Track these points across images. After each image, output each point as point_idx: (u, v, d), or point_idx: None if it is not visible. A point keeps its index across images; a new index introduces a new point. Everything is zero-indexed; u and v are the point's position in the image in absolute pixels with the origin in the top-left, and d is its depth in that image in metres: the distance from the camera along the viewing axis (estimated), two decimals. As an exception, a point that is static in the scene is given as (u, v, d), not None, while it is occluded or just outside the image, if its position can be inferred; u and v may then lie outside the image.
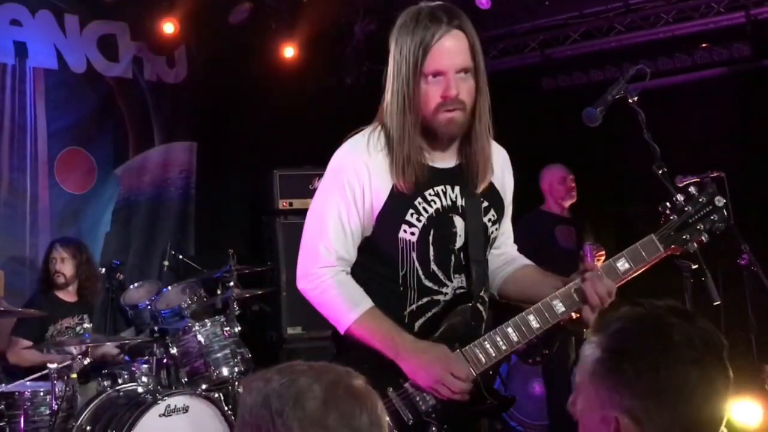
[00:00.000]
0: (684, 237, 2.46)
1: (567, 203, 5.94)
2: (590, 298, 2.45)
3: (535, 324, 2.47)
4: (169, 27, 6.71)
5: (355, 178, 2.48)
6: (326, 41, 7.44)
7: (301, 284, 2.57)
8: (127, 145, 6.88)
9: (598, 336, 1.54)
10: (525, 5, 7.07)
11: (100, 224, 6.69)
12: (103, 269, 6.00)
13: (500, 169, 2.69)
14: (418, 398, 2.45)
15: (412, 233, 2.49)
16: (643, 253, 2.48)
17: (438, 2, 2.51)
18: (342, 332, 2.51)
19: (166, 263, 6.44)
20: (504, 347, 2.46)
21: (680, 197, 2.48)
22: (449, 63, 2.41)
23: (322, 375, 1.46)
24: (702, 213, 2.47)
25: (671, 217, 2.47)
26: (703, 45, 7.01)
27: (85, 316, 5.49)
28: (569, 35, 7.56)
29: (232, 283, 5.50)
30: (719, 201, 2.47)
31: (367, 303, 2.49)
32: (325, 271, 2.51)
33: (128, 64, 6.82)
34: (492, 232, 2.63)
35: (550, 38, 7.66)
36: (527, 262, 2.78)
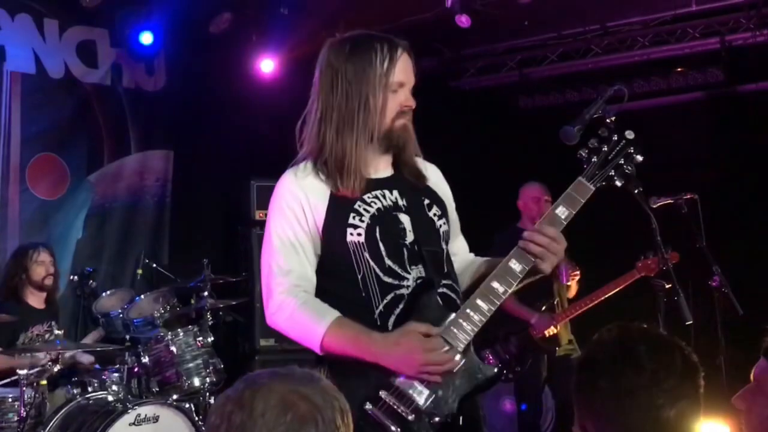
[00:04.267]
0: (609, 174, 2.59)
1: None
2: (532, 249, 2.53)
3: (500, 288, 2.52)
4: (149, 35, 6.70)
5: (292, 199, 2.56)
6: (305, 54, 7.45)
7: (268, 314, 2.57)
8: (102, 152, 6.84)
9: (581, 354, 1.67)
10: (504, 25, 7.14)
11: (71, 231, 6.64)
12: (75, 276, 5.96)
13: (435, 179, 2.80)
14: (411, 392, 2.45)
15: (359, 234, 2.54)
16: (576, 195, 2.58)
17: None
18: (320, 352, 2.49)
19: (139, 271, 6.39)
20: (477, 317, 2.49)
21: (593, 141, 2.61)
22: (409, 77, 2.62)
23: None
24: (618, 148, 2.60)
25: (592, 159, 2.59)
26: (678, 69, 7.13)
27: (53, 323, 5.44)
28: (547, 56, 7.65)
29: (206, 293, 5.48)
30: (629, 134, 2.60)
31: (332, 314, 2.49)
32: (284, 295, 2.52)
33: (107, 71, 6.79)
34: (440, 226, 2.68)
35: (528, 58, 7.74)
36: (478, 260, 2.85)
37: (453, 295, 2.62)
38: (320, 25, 7.27)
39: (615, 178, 2.58)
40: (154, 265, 6.45)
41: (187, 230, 7.07)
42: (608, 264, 5.62)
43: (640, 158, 2.59)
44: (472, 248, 2.94)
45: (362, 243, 2.53)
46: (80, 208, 6.69)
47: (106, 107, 6.82)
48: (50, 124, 6.50)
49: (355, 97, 2.56)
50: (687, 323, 2.80)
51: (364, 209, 2.56)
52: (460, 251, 2.84)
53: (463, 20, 6.37)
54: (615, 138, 2.60)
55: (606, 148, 2.59)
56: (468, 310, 2.50)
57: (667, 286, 2.74)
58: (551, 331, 5.42)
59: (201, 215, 7.15)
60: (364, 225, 2.54)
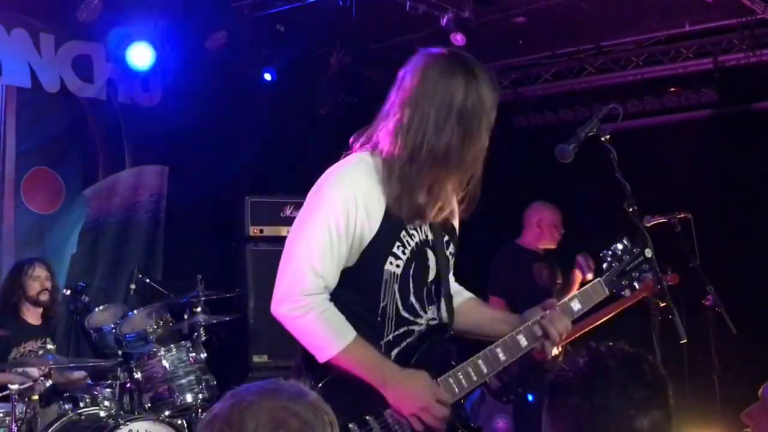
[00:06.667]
0: (623, 283, 2.78)
1: (549, 246, 5.85)
2: (550, 335, 2.63)
3: (502, 357, 2.60)
4: (145, 50, 6.70)
5: (353, 205, 2.46)
6: (302, 71, 7.48)
7: (283, 308, 2.48)
8: (97, 167, 6.83)
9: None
10: (498, 44, 7.18)
11: (66, 245, 6.61)
12: (68, 291, 5.93)
13: (455, 208, 2.77)
14: (397, 427, 2.47)
15: (398, 265, 2.53)
16: (592, 294, 2.76)
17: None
18: (321, 361, 2.47)
19: (132, 287, 6.37)
20: (475, 378, 2.56)
21: (619, 246, 2.79)
22: None
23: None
24: (636, 263, 2.78)
25: (612, 264, 2.78)
26: (672, 89, 7.17)
27: (48, 339, 5.43)
28: (541, 75, 7.70)
29: (199, 309, 5.47)
30: (648, 252, 2.78)
31: (351, 333, 2.48)
32: (311, 298, 2.46)
33: (102, 86, 6.78)
34: (451, 265, 2.75)
35: (522, 77, 7.78)
36: (470, 294, 2.88)
37: (453, 339, 2.68)
38: (315, 42, 7.32)
39: (625, 289, 2.78)
40: (148, 281, 6.43)
41: (181, 246, 7.05)
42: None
43: (649, 277, 2.77)
44: (468, 267, 2.96)
45: (397, 275, 2.54)
46: (75, 223, 6.67)
47: (101, 122, 6.81)
48: (45, 138, 6.49)
49: (473, 123, 2.49)
50: (682, 342, 2.83)
51: (407, 241, 2.55)
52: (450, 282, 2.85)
53: (458, 39, 6.40)
54: (636, 251, 2.77)
55: (627, 259, 2.77)
56: (469, 369, 2.56)
57: (662, 305, 2.79)
58: (554, 353, 5.37)
59: (195, 231, 7.13)
60: (404, 258, 2.54)
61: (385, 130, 2.54)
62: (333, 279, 2.51)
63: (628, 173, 2.90)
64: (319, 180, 2.55)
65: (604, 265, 2.78)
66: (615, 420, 1.57)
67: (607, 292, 2.74)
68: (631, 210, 2.81)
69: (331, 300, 2.52)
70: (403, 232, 2.54)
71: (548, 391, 1.69)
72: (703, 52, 6.96)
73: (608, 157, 2.92)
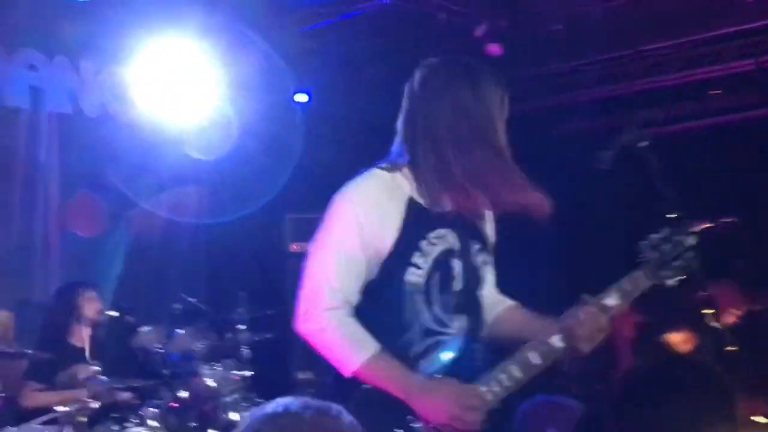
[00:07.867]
0: (664, 274, 2.59)
1: None
2: (582, 335, 2.51)
3: (535, 360, 2.51)
4: (184, 71, 6.74)
5: (366, 219, 2.48)
6: (338, 87, 7.50)
7: (303, 326, 2.52)
8: (138, 189, 6.91)
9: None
10: (536, 51, 7.14)
11: (110, 268, 6.69)
12: (114, 312, 5.99)
13: (490, 215, 2.76)
14: None
15: (419, 275, 2.52)
16: (631, 289, 2.58)
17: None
18: (347, 375, 2.48)
19: (177, 306, 6.42)
20: (508, 384, 2.49)
21: (657, 236, 2.61)
22: None
23: None
24: (678, 251, 2.59)
25: (650, 255, 2.60)
26: (713, 92, 7.06)
27: (94, 363, 5.44)
28: (580, 81, 7.63)
29: (242, 327, 5.50)
30: (692, 240, 2.61)
31: (373, 345, 2.48)
32: (330, 313, 2.48)
33: (141, 109, 6.85)
34: (483, 274, 2.69)
35: (560, 84, 7.72)
36: (512, 302, 2.83)
37: (483, 348, 2.64)
38: (352, 57, 7.34)
39: (669, 278, 2.59)
40: (191, 300, 6.48)
41: (223, 264, 7.10)
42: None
43: (696, 264, 2.59)
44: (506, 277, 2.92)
45: (420, 285, 2.53)
46: (119, 246, 6.76)
47: (141, 144, 6.89)
48: (88, 163, 6.58)
49: (478, 127, 2.54)
50: (729, 348, 2.78)
51: (428, 250, 2.54)
52: (489, 287, 2.81)
53: (494, 49, 6.38)
54: (677, 239, 2.60)
55: (668, 248, 2.59)
56: (501, 375, 2.50)
57: (711, 311, 2.73)
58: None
59: (236, 249, 7.17)
60: (425, 268, 2.53)
61: (397, 143, 2.61)
62: (352, 292, 2.51)
63: (669, 178, 2.85)
64: (335, 196, 2.58)
65: (643, 256, 2.60)
66: (683, 430, 1.57)
67: (647, 284, 2.58)
68: (674, 216, 2.76)
69: (356, 313, 2.53)
70: (424, 242, 2.53)
71: (618, 396, 1.68)
72: (745, 53, 6.85)
73: (648, 163, 2.88)
